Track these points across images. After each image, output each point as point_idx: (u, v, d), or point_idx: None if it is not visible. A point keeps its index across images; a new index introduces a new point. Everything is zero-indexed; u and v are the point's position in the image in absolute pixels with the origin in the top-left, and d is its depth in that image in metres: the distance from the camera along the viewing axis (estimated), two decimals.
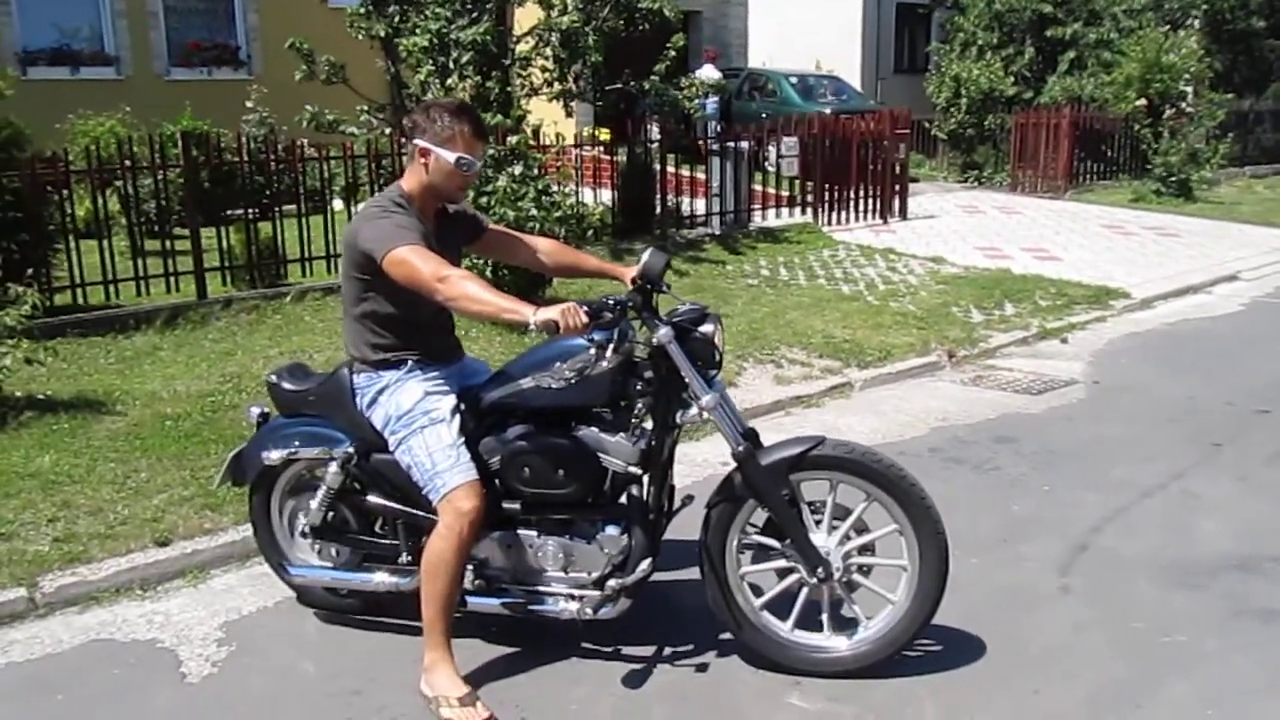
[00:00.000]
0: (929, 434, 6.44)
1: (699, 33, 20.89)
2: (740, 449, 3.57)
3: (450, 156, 3.51)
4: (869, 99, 21.24)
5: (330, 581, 4.02)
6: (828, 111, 15.55)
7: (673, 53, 11.45)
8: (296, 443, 3.89)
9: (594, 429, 3.60)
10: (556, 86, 11.24)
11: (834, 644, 3.72)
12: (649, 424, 3.63)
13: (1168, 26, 20.10)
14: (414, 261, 3.35)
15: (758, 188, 12.96)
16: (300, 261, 9.32)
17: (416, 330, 3.66)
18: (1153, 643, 3.95)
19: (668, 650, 3.92)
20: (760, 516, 3.68)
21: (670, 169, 11.78)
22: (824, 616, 3.71)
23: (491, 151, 8.18)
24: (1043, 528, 5.01)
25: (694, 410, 3.57)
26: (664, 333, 3.47)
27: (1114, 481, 5.58)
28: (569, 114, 11.62)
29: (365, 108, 11.00)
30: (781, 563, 3.69)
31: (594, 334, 3.41)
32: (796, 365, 7.56)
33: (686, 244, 11.35)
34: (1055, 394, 7.21)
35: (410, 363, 3.65)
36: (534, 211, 7.86)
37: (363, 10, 10.88)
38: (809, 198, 13.30)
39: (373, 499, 3.85)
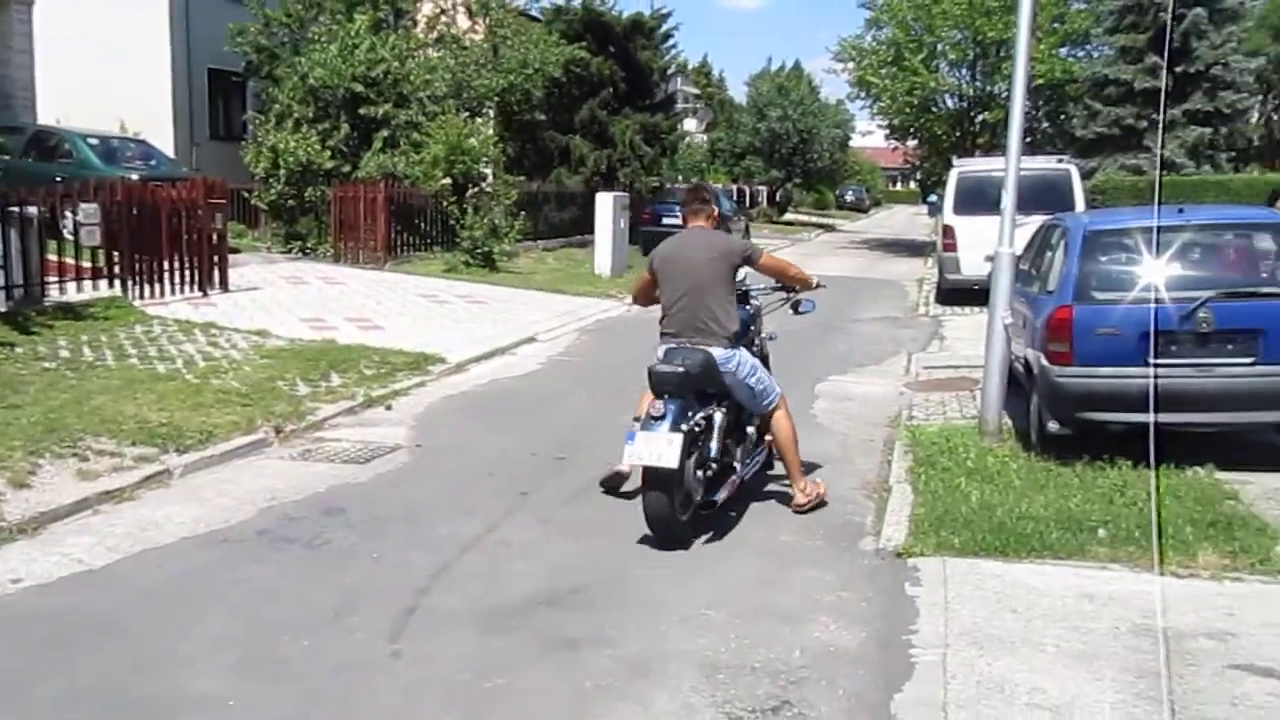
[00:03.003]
0: (256, 516, 6.23)
1: None
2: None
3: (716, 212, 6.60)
4: (182, 166, 20.28)
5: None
6: (135, 177, 14.56)
7: None
8: (700, 408, 5.96)
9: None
10: None
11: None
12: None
13: (468, 113, 22.09)
14: (775, 256, 6.84)
15: (53, 258, 11.66)
16: None
17: None
18: (478, 690, 4.19)
19: None
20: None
21: None
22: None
23: None
24: (374, 596, 5.09)
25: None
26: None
27: (439, 539, 5.88)
28: None
29: None
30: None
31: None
32: (105, 457, 6.86)
33: None
34: (382, 460, 7.44)
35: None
36: None
37: None
38: (117, 269, 12.28)
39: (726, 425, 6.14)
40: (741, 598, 5.11)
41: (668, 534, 5.73)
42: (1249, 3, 26.23)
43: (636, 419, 5.88)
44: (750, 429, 6.52)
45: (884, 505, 6.47)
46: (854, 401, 9.65)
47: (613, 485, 6.65)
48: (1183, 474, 6.60)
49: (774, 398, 6.31)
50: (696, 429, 5.81)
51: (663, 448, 5.49)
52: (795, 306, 7.01)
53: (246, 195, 19.71)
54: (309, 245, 19.09)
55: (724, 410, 6.06)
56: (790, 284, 6.85)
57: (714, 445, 5.94)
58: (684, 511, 5.78)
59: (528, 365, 11.22)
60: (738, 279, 6.30)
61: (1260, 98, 30.39)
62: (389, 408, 8.97)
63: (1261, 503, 6.22)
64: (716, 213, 6.42)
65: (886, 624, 4.82)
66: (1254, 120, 29.79)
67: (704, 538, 5.93)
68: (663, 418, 5.57)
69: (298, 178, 18.87)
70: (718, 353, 5.98)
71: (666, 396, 5.68)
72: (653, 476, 5.59)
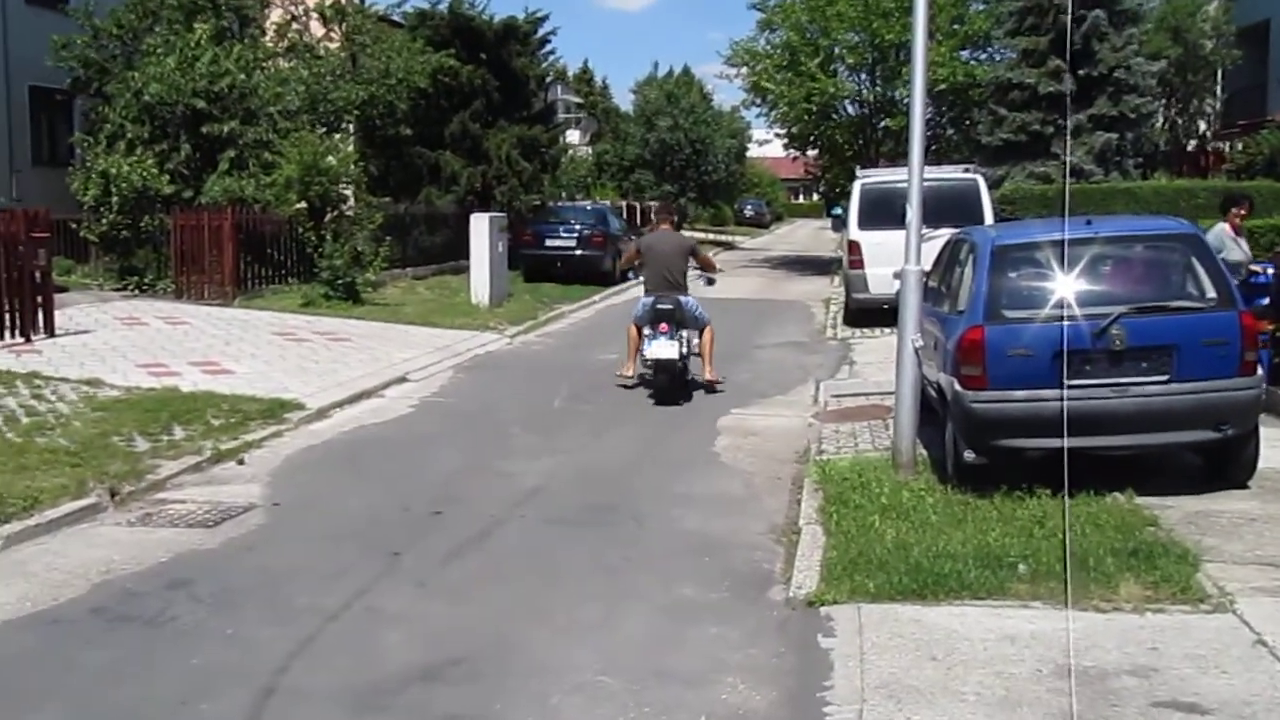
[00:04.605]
0: (90, 592, 5.99)
1: None
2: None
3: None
4: (1, 195, 19.56)
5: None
6: None
7: None
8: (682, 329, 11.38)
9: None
10: None
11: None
12: None
13: (325, 129, 21.77)
14: (706, 254, 13.38)
15: None
16: None
17: None
18: None
19: None
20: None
21: None
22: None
23: None
24: (227, 678, 4.93)
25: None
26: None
27: (299, 610, 5.73)
28: None
29: None
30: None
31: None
32: None
33: None
34: (233, 523, 7.23)
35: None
36: None
37: None
38: None
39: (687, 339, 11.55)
40: (640, 660, 5.10)
41: (669, 396, 11.19)
42: (1147, 4, 27.57)
43: (645, 332, 11.38)
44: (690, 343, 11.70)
45: (793, 549, 6.54)
46: (759, 436, 9.75)
47: (625, 384, 11.90)
48: (1102, 500, 6.84)
49: (706, 320, 11.80)
50: (680, 338, 11.22)
51: (669, 348, 11.06)
52: (709, 281, 13.03)
53: (75, 226, 19.07)
54: (147, 281, 18.54)
55: (690, 326, 11.50)
56: (706, 269, 12.77)
57: (685, 349, 11.37)
58: (673, 384, 11.27)
59: (398, 408, 11.06)
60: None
61: (1163, 102, 31.89)
62: (241, 462, 8.74)
63: (1182, 528, 6.47)
64: (676, 219, 12.28)
65: (799, 681, 4.86)
66: (1159, 125, 31.25)
67: (596, 592, 5.93)
68: (667, 334, 11.08)
69: (132, 205, 18.32)
70: (682, 298, 11.49)
71: (664, 322, 11.10)
72: (662, 365, 11.13)
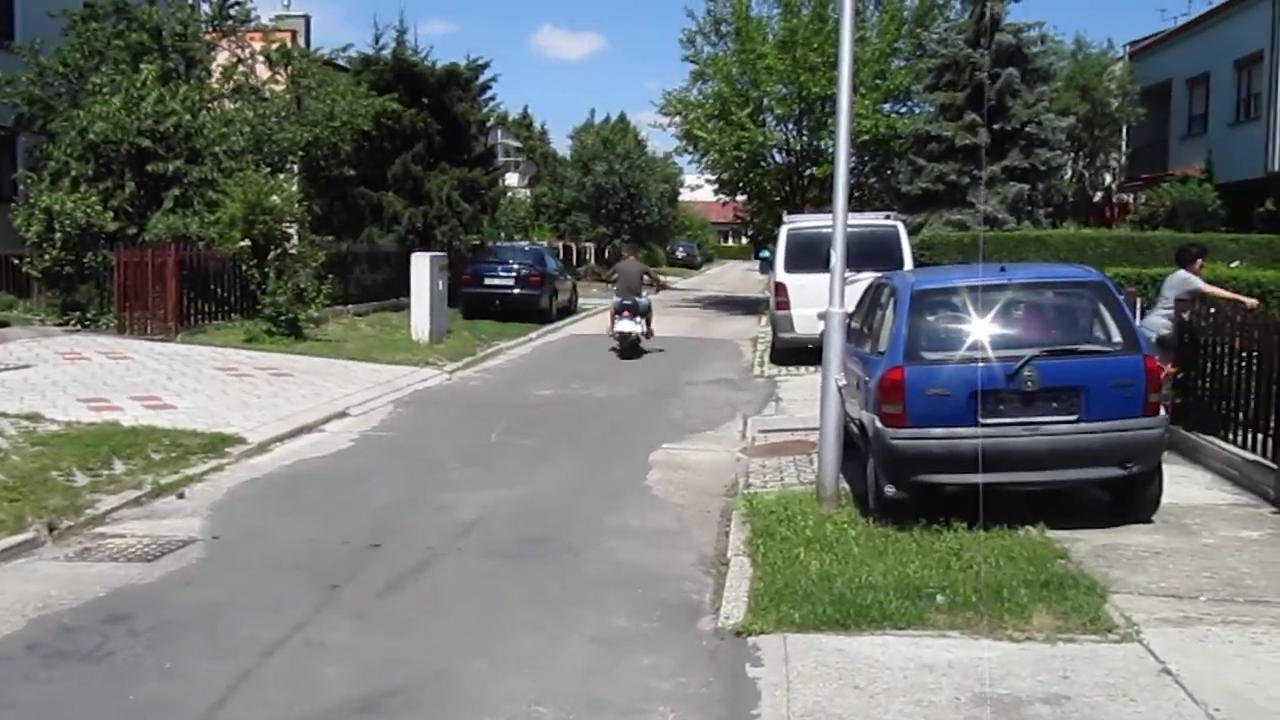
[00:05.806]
0: (27, 628, 5.82)
1: None
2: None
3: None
4: None
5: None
6: None
7: None
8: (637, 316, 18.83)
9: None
10: None
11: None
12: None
13: (270, 169, 21.53)
14: (655, 275, 23.16)
15: None
16: None
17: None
18: None
19: None
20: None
21: None
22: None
23: None
24: (164, 713, 4.83)
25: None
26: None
27: (238, 643, 5.61)
28: None
29: None
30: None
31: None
32: None
33: None
34: (173, 557, 7.07)
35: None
36: None
37: None
38: None
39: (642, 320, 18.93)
40: (574, 690, 5.06)
41: (629, 354, 18.08)
42: (1057, 64, 28.40)
43: (616, 316, 18.53)
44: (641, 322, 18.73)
45: (722, 580, 6.55)
46: (689, 470, 9.77)
47: (612, 346, 18.66)
48: (1015, 534, 6.95)
49: (649, 306, 19.03)
50: (637, 320, 18.40)
51: (630, 326, 18.41)
52: (656, 291, 20.77)
53: (17, 262, 18.63)
54: (90, 316, 18.13)
55: (641, 314, 18.52)
56: (655, 284, 20.82)
57: (641, 326, 18.57)
58: (631, 347, 18.27)
59: (338, 443, 10.91)
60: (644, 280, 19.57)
61: (1072, 155, 32.73)
62: (181, 496, 8.56)
63: (1090, 560, 6.59)
64: (638, 253, 23.62)
65: (728, 709, 4.86)
66: (1067, 177, 32.04)
67: (530, 622, 5.88)
68: (629, 318, 18.35)
69: (76, 241, 17.94)
70: (638, 299, 18.68)
71: (627, 312, 18.31)
72: (624, 336, 18.34)
